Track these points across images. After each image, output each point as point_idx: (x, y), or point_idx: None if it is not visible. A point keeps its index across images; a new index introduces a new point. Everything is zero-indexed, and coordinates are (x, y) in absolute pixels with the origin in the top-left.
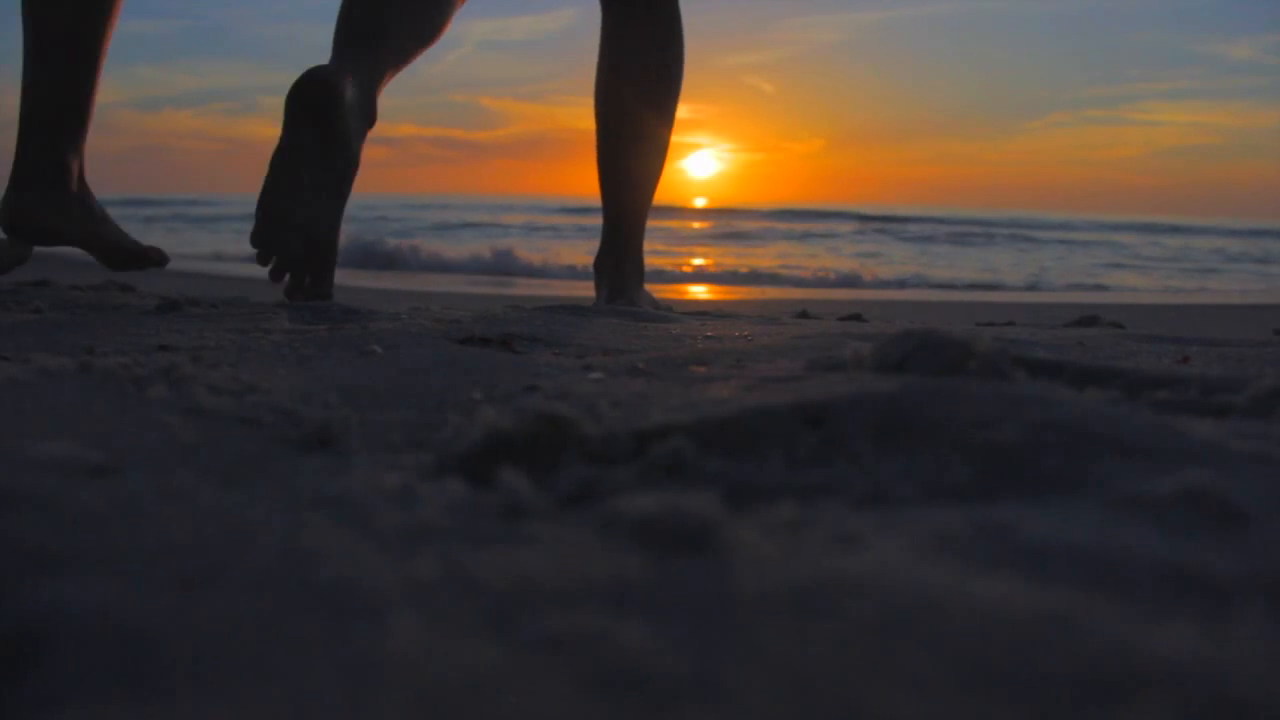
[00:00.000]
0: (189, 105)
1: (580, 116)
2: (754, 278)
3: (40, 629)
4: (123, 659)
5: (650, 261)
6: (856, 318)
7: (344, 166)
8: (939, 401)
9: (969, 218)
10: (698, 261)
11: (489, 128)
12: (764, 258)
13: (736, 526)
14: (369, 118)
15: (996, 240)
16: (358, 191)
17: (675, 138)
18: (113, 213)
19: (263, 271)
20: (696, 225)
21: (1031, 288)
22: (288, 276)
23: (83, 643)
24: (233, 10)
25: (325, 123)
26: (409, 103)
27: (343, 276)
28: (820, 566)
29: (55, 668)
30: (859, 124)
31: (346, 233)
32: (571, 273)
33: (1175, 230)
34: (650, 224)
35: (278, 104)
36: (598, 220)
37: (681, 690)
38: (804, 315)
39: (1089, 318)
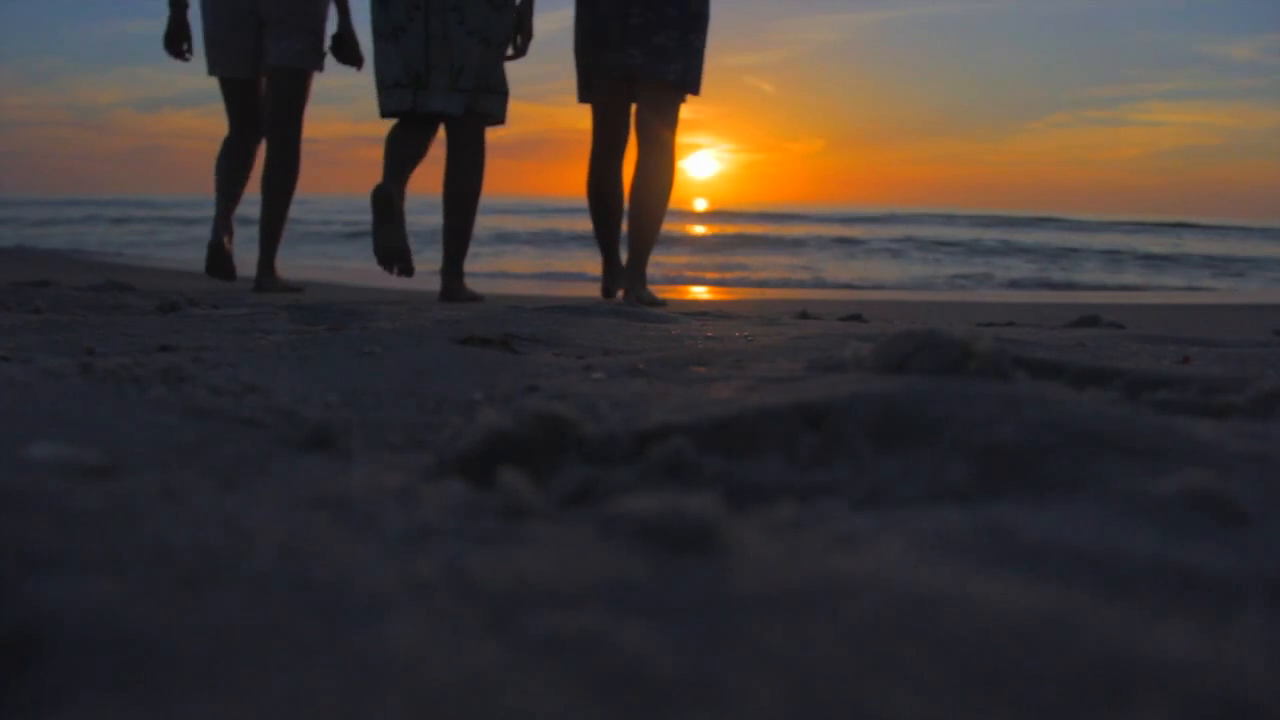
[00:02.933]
0: (189, 105)
1: (580, 117)
2: (754, 279)
3: (40, 629)
4: (123, 659)
5: (651, 262)
6: (856, 318)
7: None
8: (939, 401)
9: (969, 217)
10: (698, 262)
11: (489, 127)
12: (764, 258)
13: (737, 527)
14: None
15: (996, 240)
16: (357, 192)
17: (675, 139)
18: (111, 213)
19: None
20: (697, 227)
21: (1032, 287)
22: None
23: (83, 643)
24: None
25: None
26: None
27: (342, 276)
28: (820, 566)
29: (55, 668)
30: (859, 124)
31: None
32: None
33: (1176, 230)
34: None
35: None
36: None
37: (681, 690)
38: (804, 316)
39: (1089, 318)
